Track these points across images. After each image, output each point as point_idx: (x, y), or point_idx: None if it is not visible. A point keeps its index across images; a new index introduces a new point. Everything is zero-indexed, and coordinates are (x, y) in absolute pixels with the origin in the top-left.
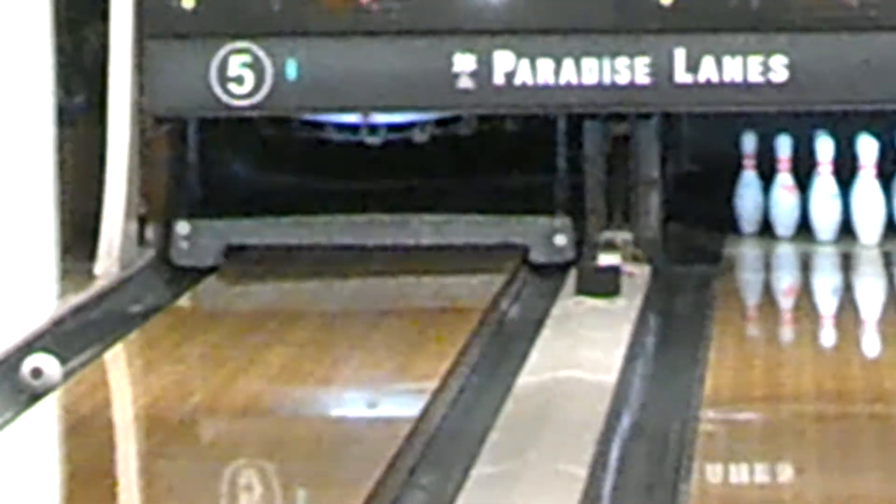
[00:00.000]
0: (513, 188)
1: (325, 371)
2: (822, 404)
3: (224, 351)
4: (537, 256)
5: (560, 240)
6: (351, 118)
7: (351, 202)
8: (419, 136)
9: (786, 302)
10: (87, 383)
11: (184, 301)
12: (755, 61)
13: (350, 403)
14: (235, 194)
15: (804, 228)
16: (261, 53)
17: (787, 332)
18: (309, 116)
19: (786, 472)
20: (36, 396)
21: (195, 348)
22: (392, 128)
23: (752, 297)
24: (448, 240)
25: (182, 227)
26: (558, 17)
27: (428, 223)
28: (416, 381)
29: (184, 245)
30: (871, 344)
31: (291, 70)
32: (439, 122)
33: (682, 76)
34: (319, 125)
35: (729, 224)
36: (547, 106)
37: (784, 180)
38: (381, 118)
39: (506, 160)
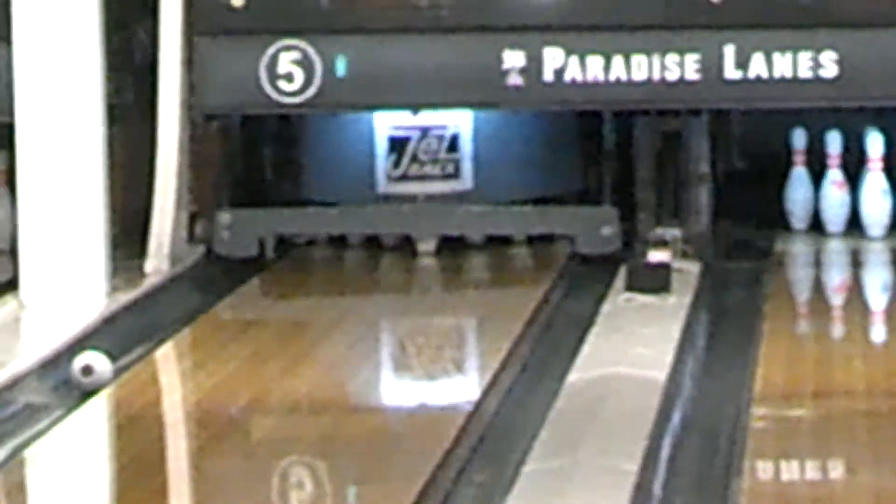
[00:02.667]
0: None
1: (374, 368)
2: (873, 400)
3: (274, 348)
4: (584, 247)
5: (607, 230)
6: None
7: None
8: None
9: (836, 298)
10: (138, 381)
11: (234, 298)
12: (805, 57)
13: (401, 400)
14: (281, 187)
15: (854, 225)
16: (310, 50)
17: (837, 329)
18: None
19: (837, 469)
20: (87, 394)
21: (245, 346)
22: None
23: (802, 294)
24: (495, 230)
25: (224, 218)
26: (608, 14)
27: (474, 213)
28: (467, 378)
29: (225, 235)
30: None
31: (341, 67)
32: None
33: (731, 72)
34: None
35: (779, 220)
36: (596, 102)
37: (834, 176)
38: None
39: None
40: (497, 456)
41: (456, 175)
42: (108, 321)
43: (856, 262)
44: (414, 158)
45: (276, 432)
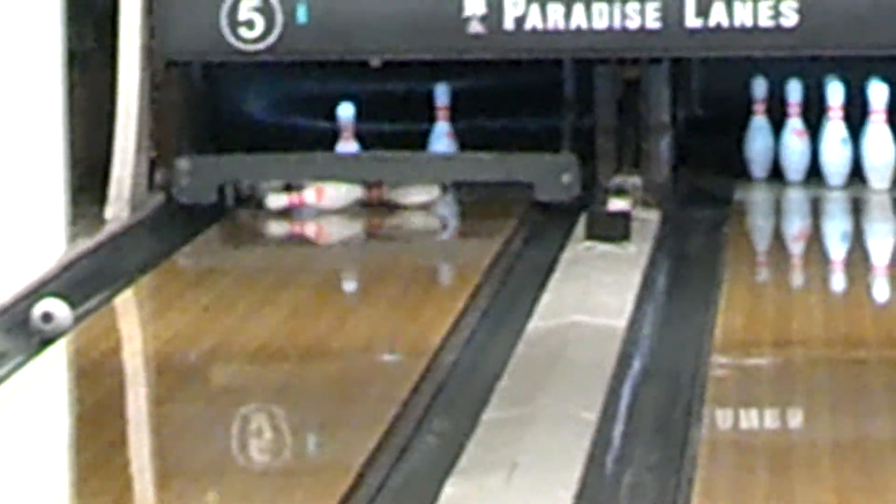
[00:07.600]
0: (522, 132)
1: (336, 315)
2: (832, 349)
3: (234, 295)
4: (543, 194)
5: (567, 178)
6: None
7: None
8: None
9: (796, 247)
10: (98, 328)
11: (195, 245)
12: (765, 6)
13: (361, 348)
14: (245, 134)
15: (814, 173)
16: None
17: (797, 277)
18: None
19: (796, 417)
20: (46, 341)
21: (205, 293)
22: None
23: (762, 242)
24: (454, 177)
25: (183, 164)
26: None
27: (434, 160)
28: (427, 326)
29: (185, 182)
30: (881, 288)
31: (302, 14)
32: None
33: (692, 21)
34: None
35: (739, 169)
36: (557, 51)
37: (794, 125)
38: None
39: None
40: (457, 404)
41: None
42: (68, 268)
43: (815, 211)
44: None
45: (237, 380)
